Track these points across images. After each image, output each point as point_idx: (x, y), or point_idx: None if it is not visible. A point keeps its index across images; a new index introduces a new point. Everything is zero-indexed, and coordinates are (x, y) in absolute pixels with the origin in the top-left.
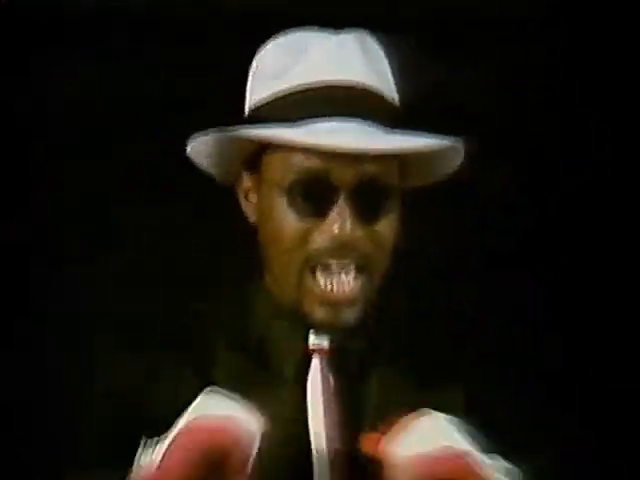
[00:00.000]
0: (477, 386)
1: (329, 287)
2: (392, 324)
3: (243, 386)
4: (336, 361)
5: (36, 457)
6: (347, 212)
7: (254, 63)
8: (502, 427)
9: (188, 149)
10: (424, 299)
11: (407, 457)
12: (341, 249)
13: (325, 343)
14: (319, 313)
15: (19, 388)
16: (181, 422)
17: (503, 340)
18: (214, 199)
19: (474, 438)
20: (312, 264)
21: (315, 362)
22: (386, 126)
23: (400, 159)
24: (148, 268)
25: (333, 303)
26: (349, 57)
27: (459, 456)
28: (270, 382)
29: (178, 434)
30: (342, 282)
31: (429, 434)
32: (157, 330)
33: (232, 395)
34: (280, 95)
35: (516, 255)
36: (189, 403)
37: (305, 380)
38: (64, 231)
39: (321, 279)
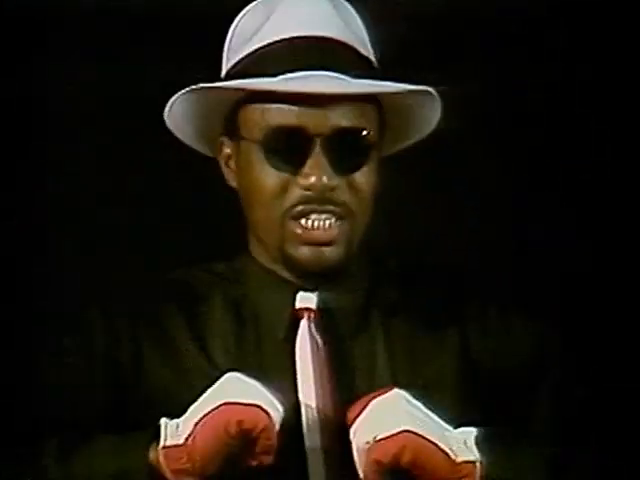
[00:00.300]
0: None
1: (310, 227)
2: (383, 279)
3: (237, 352)
4: (325, 322)
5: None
6: (323, 162)
7: (229, 31)
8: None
9: (167, 118)
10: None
11: (366, 442)
12: (319, 199)
13: (313, 303)
14: (302, 253)
15: None
16: (205, 406)
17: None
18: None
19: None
20: (292, 214)
21: (303, 324)
22: (357, 77)
23: (378, 112)
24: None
25: (315, 242)
26: (318, 12)
27: (418, 440)
28: (261, 347)
29: (207, 416)
30: (322, 225)
31: (390, 417)
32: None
33: (252, 382)
34: (251, 53)
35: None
36: (185, 368)
37: (294, 344)
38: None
39: (302, 222)
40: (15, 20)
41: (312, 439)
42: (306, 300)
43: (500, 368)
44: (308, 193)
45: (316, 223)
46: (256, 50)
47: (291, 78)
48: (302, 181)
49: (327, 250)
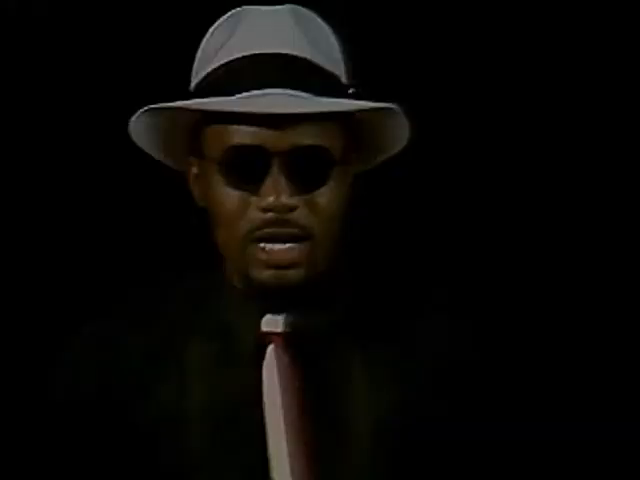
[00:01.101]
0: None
1: (270, 250)
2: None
3: (209, 374)
4: (292, 347)
5: None
6: (282, 181)
7: (200, 44)
8: None
9: (132, 133)
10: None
11: None
12: (278, 221)
13: (279, 327)
14: (264, 275)
15: None
16: None
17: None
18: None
19: None
20: (253, 237)
21: (270, 349)
22: (320, 94)
23: (344, 128)
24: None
25: (276, 265)
26: (281, 29)
27: None
28: (231, 372)
29: None
30: (282, 248)
31: None
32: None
33: None
34: (215, 69)
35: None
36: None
37: (261, 368)
38: None
39: (262, 246)
40: None
41: (280, 464)
42: (272, 323)
43: None
44: (268, 215)
45: (276, 247)
46: (218, 67)
47: (247, 97)
48: (261, 202)
49: (289, 273)
